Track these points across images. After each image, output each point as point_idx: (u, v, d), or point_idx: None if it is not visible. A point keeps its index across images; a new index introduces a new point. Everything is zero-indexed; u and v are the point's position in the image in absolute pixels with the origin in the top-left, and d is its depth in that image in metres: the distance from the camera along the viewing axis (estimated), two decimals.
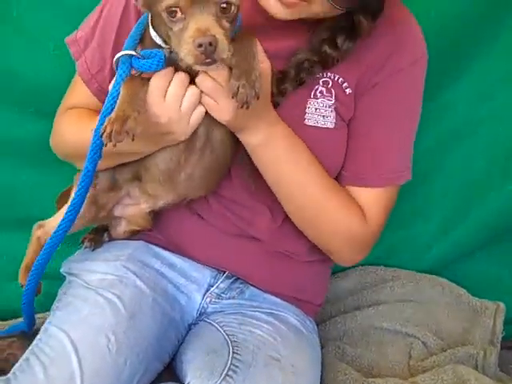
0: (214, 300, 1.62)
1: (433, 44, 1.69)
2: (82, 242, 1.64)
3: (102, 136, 1.23)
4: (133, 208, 1.55)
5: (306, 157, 1.49)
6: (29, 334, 1.63)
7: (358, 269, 2.05)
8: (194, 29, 1.19)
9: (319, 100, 1.51)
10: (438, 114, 1.92)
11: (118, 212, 1.56)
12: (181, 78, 1.31)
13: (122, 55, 1.31)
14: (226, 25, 1.23)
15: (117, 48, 1.48)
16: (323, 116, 1.51)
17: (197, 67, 1.25)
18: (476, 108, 1.94)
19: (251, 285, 1.63)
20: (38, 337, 1.44)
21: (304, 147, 1.48)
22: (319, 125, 1.51)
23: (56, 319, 1.45)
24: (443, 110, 1.93)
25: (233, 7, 1.24)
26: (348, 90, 1.52)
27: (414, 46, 1.55)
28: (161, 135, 1.36)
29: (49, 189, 1.85)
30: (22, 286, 1.56)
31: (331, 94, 1.51)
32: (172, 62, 1.31)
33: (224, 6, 1.22)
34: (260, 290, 1.63)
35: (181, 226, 1.61)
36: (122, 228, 1.60)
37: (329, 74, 1.51)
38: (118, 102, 1.27)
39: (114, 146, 1.22)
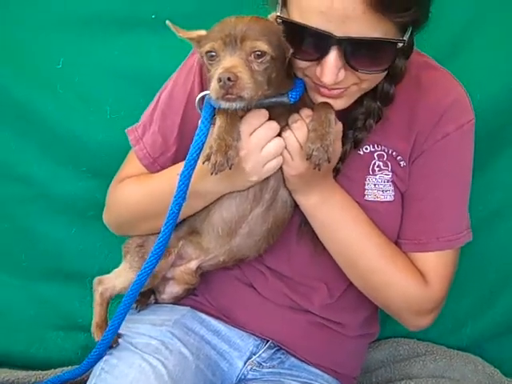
0: (254, 368, 1.65)
1: (483, 122, 1.72)
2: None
3: (204, 163, 1.31)
4: (182, 267, 1.60)
5: (363, 219, 1.52)
6: None
7: (390, 340, 2.06)
8: (221, 67, 1.29)
9: (377, 176, 1.55)
10: (485, 187, 1.95)
11: (169, 274, 1.61)
12: (273, 125, 1.40)
13: (205, 94, 1.40)
14: (257, 68, 1.31)
15: (181, 133, 1.57)
16: (383, 191, 1.55)
17: (221, 103, 1.31)
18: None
19: (292, 355, 1.66)
20: None
21: (360, 211, 1.52)
22: (379, 199, 1.55)
23: (102, 382, 1.47)
24: (490, 185, 1.97)
25: (266, 55, 1.31)
26: (402, 163, 1.55)
27: (458, 111, 1.55)
28: (235, 170, 1.37)
29: (94, 244, 1.93)
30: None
31: (388, 167, 1.55)
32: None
33: (257, 53, 1.31)
34: (301, 360, 1.66)
35: (232, 295, 1.65)
36: (169, 289, 1.64)
37: (383, 147, 1.54)
38: (215, 131, 1.34)
39: (216, 173, 1.29)
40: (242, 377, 1.65)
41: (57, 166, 1.98)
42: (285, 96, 1.39)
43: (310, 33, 1.30)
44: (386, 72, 1.39)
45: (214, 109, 1.38)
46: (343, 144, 1.48)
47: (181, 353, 1.53)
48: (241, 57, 1.30)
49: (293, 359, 1.67)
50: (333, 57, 1.31)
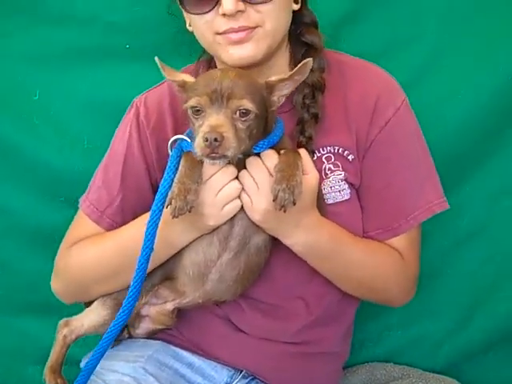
0: None
1: (444, 148, 1.81)
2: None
3: (167, 207, 1.33)
4: (158, 307, 1.60)
5: (346, 235, 1.56)
6: None
7: (367, 365, 2.06)
8: (207, 125, 1.32)
9: (330, 178, 1.58)
10: (449, 216, 1.95)
11: (144, 311, 1.61)
12: (230, 169, 1.42)
13: (177, 138, 1.44)
14: (241, 126, 1.35)
15: (125, 179, 1.61)
16: (339, 191, 1.58)
17: (205, 160, 1.35)
18: (485, 210, 1.99)
19: None
20: None
21: (340, 228, 1.55)
22: (338, 200, 1.58)
23: None
24: (455, 212, 1.93)
25: (250, 114, 1.35)
26: (350, 157, 1.59)
27: (390, 95, 1.60)
28: (194, 214, 1.41)
29: None
30: None
31: (338, 166, 1.58)
32: None
33: (242, 111, 1.34)
34: None
35: (206, 328, 1.65)
36: (144, 325, 1.64)
37: (328, 147, 1.58)
38: (177, 175, 1.37)
39: (176, 217, 1.32)
40: None
41: (34, 197, 1.99)
42: None
43: None
44: (283, 10, 1.49)
45: (181, 156, 1.41)
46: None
47: None
48: (226, 115, 1.33)
49: None
50: None
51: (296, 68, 1.39)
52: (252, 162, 1.42)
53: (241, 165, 1.43)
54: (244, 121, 1.35)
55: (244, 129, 1.35)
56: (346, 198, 1.59)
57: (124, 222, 1.62)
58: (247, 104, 1.34)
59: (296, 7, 1.58)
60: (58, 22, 1.90)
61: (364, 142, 1.58)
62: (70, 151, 1.95)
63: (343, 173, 1.58)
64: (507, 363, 2.05)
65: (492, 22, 1.88)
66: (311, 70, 1.45)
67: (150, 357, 1.62)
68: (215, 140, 1.29)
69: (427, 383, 1.97)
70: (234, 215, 1.46)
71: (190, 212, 1.35)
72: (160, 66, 1.43)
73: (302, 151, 1.45)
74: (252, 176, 1.41)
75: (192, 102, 1.35)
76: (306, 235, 1.48)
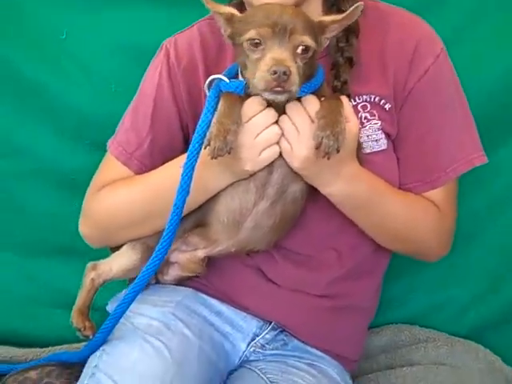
0: (257, 350, 1.64)
1: (483, 109, 1.75)
2: (129, 282, 1.63)
3: (205, 148, 1.30)
4: (188, 254, 1.57)
5: (384, 185, 1.52)
6: (68, 363, 1.62)
7: (392, 327, 2.05)
8: (271, 58, 1.27)
9: (367, 127, 1.54)
10: (483, 178, 1.93)
11: (173, 258, 1.58)
12: (271, 112, 1.37)
13: (214, 78, 1.39)
14: (300, 64, 1.31)
15: (155, 122, 1.58)
16: (376, 140, 1.55)
17: (265, 94, 1.31)
18: None
19: (295, 337, 1.65)
20: (86, 382, 1.43)
21: (382, 183, 1.52)
22: (375, 149, 1.55)
23: (103, 364, 1.44)
24: (489, 175, 1.94)
25: (310, 51, 1.32)
26: (387, 106, 1.55)
27: (429, 43, 1.56)
28: (232, 158, 1.37)
29: None
30: (77, 330, 1.55)
31: (375, 116, 1.54)
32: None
33: (303, 47, 1.30)
34: (304, 343, 1.65)
35: (237, 277, 1.63)
36: (173, 272, 1.61)
37: (364, 96, 1.54)
38: (215, 115, 1.33)
39: (215, 158, 1.29)
40: (245, 358, 1.64)
41: (59, 139, 1.95)
42: None
43: None
44: None
45: (219, 96, 1.36)
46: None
47: (183, 334, 1.51)
48: (289, 50, 1.29)
49: (296, 341, 1.65)
50: None
51: (349, 10, 1.35)
52: (293, 107, 1.37)
53: (280, 110, 1.38)
54: (303, 57, 1.31)
55: (302, 65, 1.31)
56: (383, 147, 1.56)
57: (153, 165, 1.58)
58: (308, 40, 1.30)
59: None
60: None
61: (402, 90, 1.54)
62: (97, 94, 1.91)
63: (379, 122, 1.54)
64: None
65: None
66: (344, 12, 1.40)
67: (179, 303, 1.59)
68: (284, 73, 1.25)
69: (452, 347, 1.96)
70: (273, 162, 1.42)
71: (229, 153, 1.31)
72: None
73: (343, 98, 1.40)
74: (292, 121, 1.37)
75: (251, 33, 1.29)
76: (345, 184, 1.45)
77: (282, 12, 1.30)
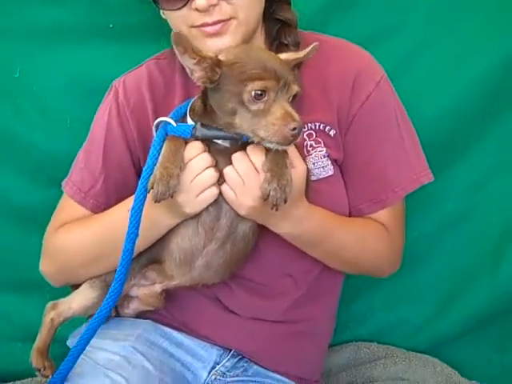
0: (218, 377, 1.66)
1: (430, 134, 1.82)
2: (89, 317, 1.64)
3: (148, 191, 1.32)
4: (147, 288, 1.60)
5: (335, 225, 1.56)
6: None
7: (351, 345, 2.09)
8: (285, 113, 1.30)
9: (313, 155, 1.58)
10: (434, 201, 2.00)
11: (132, 292, 1.60)
12: (205, 155, 1.40)
13: (161, 121, 1.42)
14: None
15: (107, 160, 1.61)
16: (323, 167, 1.59)
17: (272, 144, 1.32)
18: (469, 196, 2.01)
19: (255, 363, 1.68)
20: None
21: (331, 217, 1.55)
22: (322, 176, 1.59)
23: None
24: (439, 197, 2.01)
25: (296, 97, 1.36)
26: (332, 132, 1.59)
27: (370, 70, 1.62)
28: (171, 201, 1.39)
29: None
30: (36, 370, 1.56)
31: (320, 143, 1.58)
32: (205, 139, 1.40)
33: (293, 95, 1.35)
34: (264, 368, 1.68)
35: (195, 308, 1.65)
36: (133, 305, 1.63)
37: (309, 124, 1.58)
38: (160, 159, 1.36)
39: (158, 202, 1.31)
40: None
41: (16, 175, 1.97)
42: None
43: None
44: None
45: (165, 140, 1.39)
46: None
47: (144, 367, 1.53)
48: (288, 101, 1.33)
49: (256, 367, 1.68)
50: None
51: (308, 49, 1.41)
52: (238, 157, 1.39)
53: (226, 154, 1.41)
54: (291, 104, 1.34)
55: None
56: (330, 173, 1.60)
57: (108, 202, 1.61)
58: (297, 88, 1.34)
59: None
60: None
61: (346, 116, 1.59)
62: (53, 130, 1.93)
63: (325, 149, 1.59)
64: (484, 345, 2.09)
65: (478, 12, 1.89)
66: (286, 46, 1.45)
67: (139, 336, 1.61)
68: (300, 129, 1.29)
69: (410, 362, 2.01)
70: (220, 208, 1.45)
71: (172, 197, 1.34)
72: (181, 42, 1.32)
73: None
74: (238, 172, 1.39)
75: (257, 85, 1.29)
76: (294, 225, 1.49)
77: (274, 61, 1.33)
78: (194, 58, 1.33)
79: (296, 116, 1.30)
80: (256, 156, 1.38)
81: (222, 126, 1.37)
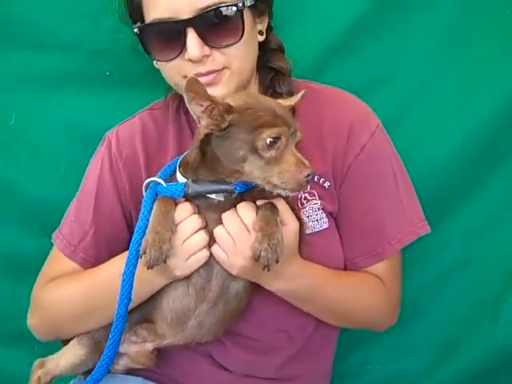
0: None
1: (427, 184, 1.81)
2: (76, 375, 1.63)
3: (141, 257, 1.29)
4: (138, 346, 1.56)
5: (328, 281, 1.53)
6: None
7: None
8: (296, 160, 1.29)
9: (307, 207, 1.56)
10: (431, 251, 1.97)
11: (123, 349, 1.57)
12: (194, 218, 1.38)
13: (151, 181, 1.40)
14: None
15: (97, 213, 1.59)
16: (317, 220, 1.57)
17: (286, 192, 1.30)
18: (467, 246, 1.99)
19: None
20: None
21: (325, 273, 1.53)
22: (317, 229, 1.57)
23: None
24: (437, 247, 1.98)
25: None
26: (326, 184, 1.57)
27: (364, 120, 1.60)
28: (161, 266, 1.37)
29: None
30: None
31: (314, 195, 1.57)
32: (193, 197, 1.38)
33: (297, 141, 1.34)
34: None
35: (188, 365, 1.62)
36: (123, 362, 1.60)
37: None
38: (151, 223, 1.33)
39: (151, 268, 1.28)
40: None
41: (8, 223, 1.95)
42: (230, 184, 1.36)
43: (165, 28, 1.45)
44: (248, 47, 1.50)
45: (155, 200, 1.38)
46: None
47: None
48: (294, 147, 1.32)
49: None
50: (191, 34, 1.43)
51: (299, 95, 1.41)
52: (229, 216, 1.38)
53: (219, 209, 1.39)
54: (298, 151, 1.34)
55: None
56: (325, 226, 1.58)
57: (98, 256, 1.60)
58: (301, 136, 1.34)
59: (261, 38, 1.58)
60: (38, 46, 1.87)
61: (340, 168, 1.57)
62: (47, 177, 1.92)
63: (319, 201, 1.57)
64: None
65: (477, 58, 1.89)
66: (279, 94, 1.44)
67: None
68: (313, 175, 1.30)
69: None
70: (212, 269, 1.43)
71: (165, 263, 1.31)
72: (193, 87, 1.30)
73: (278, 201, 1.39)
74: (229, 232, 1.37)
75: (273, 132, 1.28)
76: (287, 283, 1.47)
77: (281, 107, 1.33)
78: (202, 105, 1.31)
79: (307, 162, 1.29)
80: (247, 214, 1.36)
81: (226, 175, 1.34)
